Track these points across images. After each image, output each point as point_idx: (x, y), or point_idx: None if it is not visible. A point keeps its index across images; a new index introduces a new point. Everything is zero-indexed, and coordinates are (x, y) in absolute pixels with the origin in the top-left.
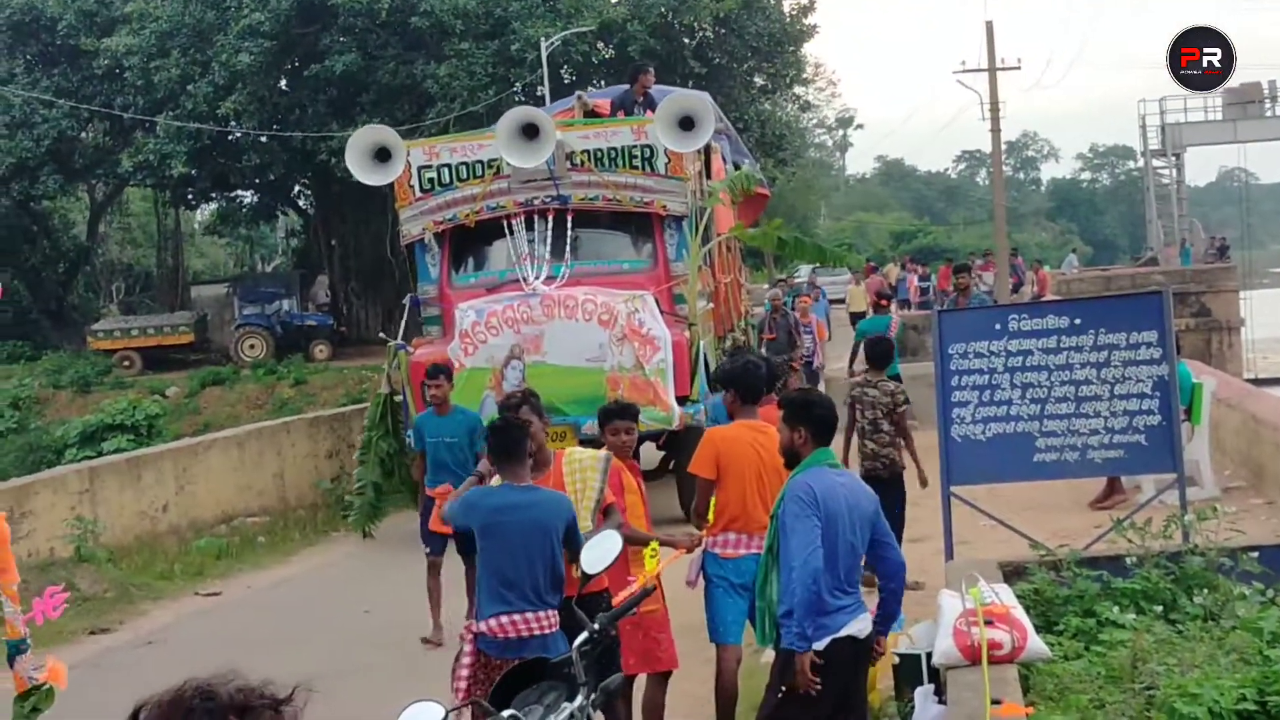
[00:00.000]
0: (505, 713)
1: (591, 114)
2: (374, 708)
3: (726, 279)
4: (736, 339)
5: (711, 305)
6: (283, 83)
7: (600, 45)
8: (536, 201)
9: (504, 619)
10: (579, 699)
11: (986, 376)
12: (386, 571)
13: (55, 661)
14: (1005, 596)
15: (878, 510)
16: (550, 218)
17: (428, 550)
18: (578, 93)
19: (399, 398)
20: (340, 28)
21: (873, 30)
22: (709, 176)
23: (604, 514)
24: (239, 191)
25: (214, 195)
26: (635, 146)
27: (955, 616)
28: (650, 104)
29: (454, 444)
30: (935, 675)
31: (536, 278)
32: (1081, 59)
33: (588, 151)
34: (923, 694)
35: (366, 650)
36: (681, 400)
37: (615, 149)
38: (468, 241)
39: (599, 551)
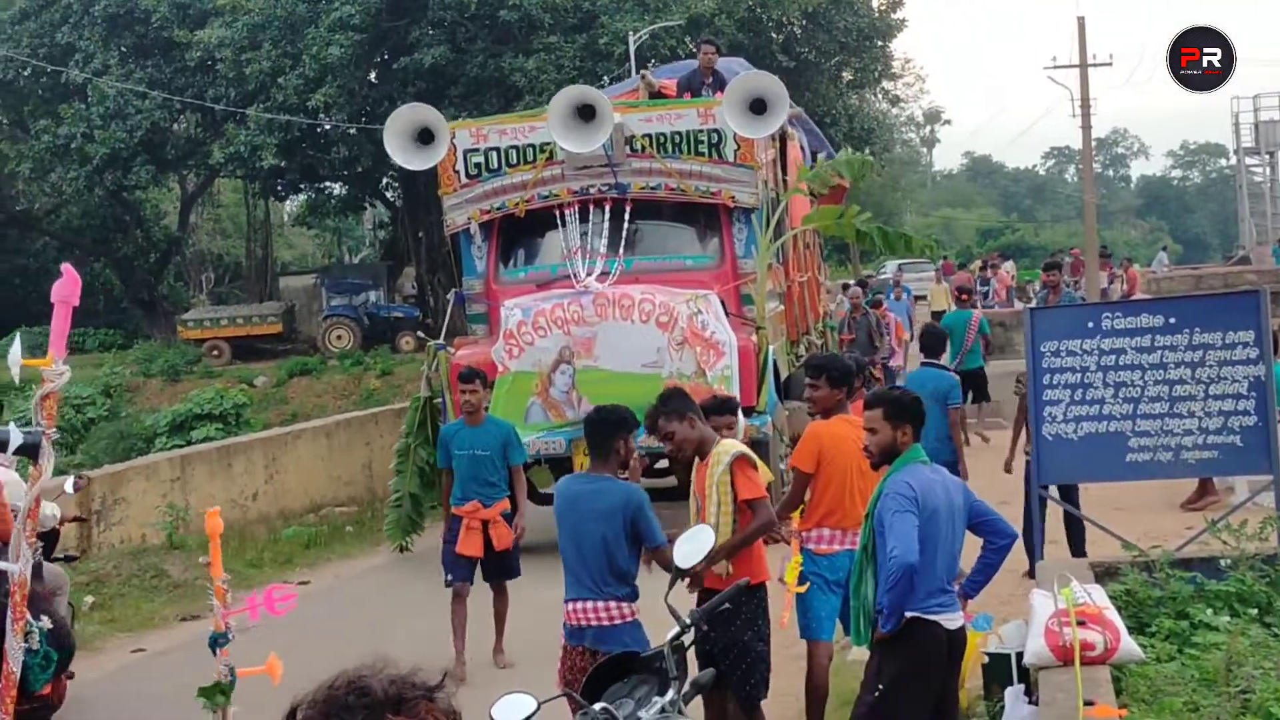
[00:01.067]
0: (596, 705)
1: (657, 95)
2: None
3: (802, 277)
4: (812, 342)
5: (783, 306)
6: (372, 75)
7: (688, 40)
8: (592, 190)
9: (575, 605)
10: (670, 693)
11: (1079, 375)
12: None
13: (275, 658)
14: (1098, 597)
15: (968, 496)
16: (607, 208)
17: (449, 578)
18: (641, 72)
19: (439, 402)
20: (430, 20)
21: (962, 25)
22: (784, 167)
23: (749, 508)
24: (328, 183)
25: (303, 187)
26: (702, 131)
27: (1047, 616)
28: (720, 84)
29: (485, 458)
30: (1025, 675)
31: (589, 274)
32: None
33: (649, 136)
34: (1013, 694)
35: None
36: (747, 411)
37: (680, 133)
38: (517, 233)
39: (691, 546)
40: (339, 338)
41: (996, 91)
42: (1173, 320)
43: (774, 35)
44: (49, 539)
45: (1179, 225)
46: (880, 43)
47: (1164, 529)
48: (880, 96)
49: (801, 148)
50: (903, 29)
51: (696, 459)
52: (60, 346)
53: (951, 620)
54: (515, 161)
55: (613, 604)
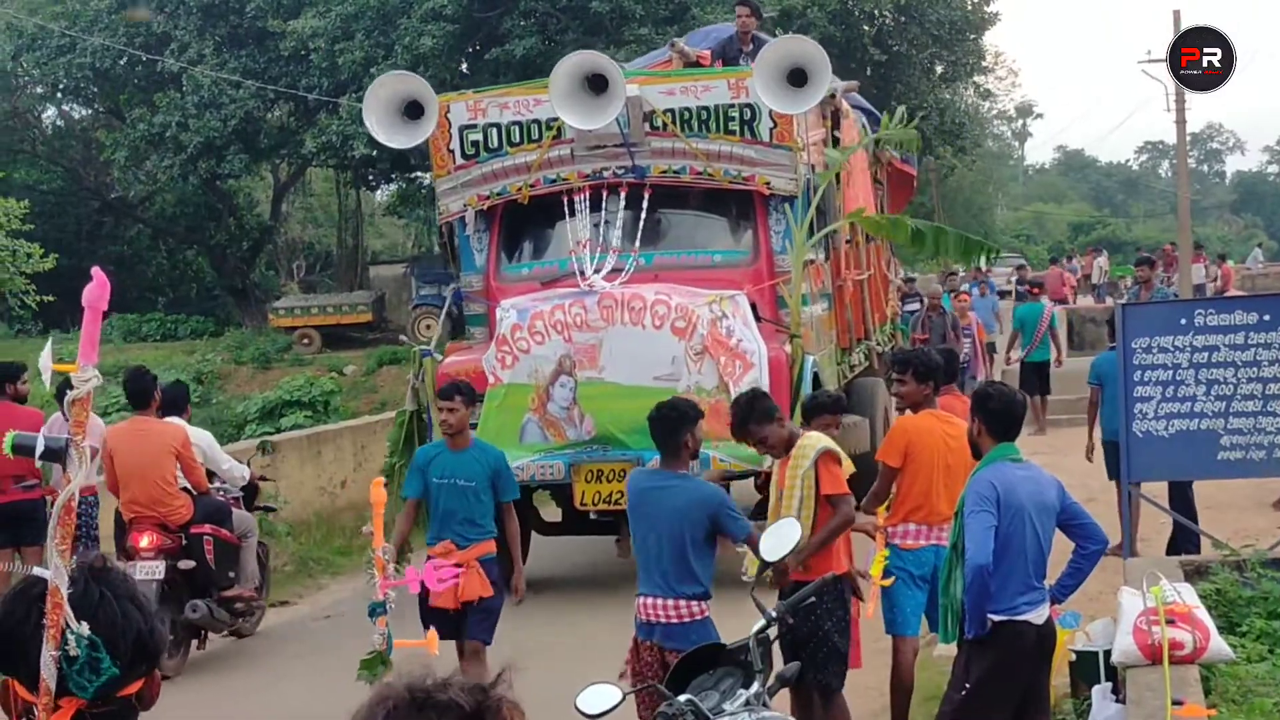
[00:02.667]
0: (681, 697)
1: (694, 66)
2: (554, 688)
3: (860, 274)
4: (872, 348)
5: (832, 309)
6: (464, 66)
7: (779, 32)
8: (606, 173)
9: (646, 600)
10: (755, 685)
11: (1170, 372)
12: (545, 547)
13: (433, 632)
14: (1187, 596)
15: (1063, 496)
16: (622, 194)
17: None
18: (671, 39)
19: (427, 416)
20: (521, 11)
21: (1055, 18)
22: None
23: (830, 504)
24: (418, 173)
25: (394, 176)
26: (733, 106)
27: (1136, 615)
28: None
29: (468, 489)
30: (1113, 674)
31: (596, 270)
32: (1271, 50)
33: (672, 111)
34: (1100, 692)
35: (543, 630)
36: None
37: (706, 109)
38: (521, 222)
39: (776, 539)
40: (428, 327)
41: (1090, 85)
42: (1267, 317)
43: (865, 28)
44: (250, 491)
45: (1274, 222)
46: (973, 36)
47: (1255, 528)
48: (972, 90)
49: (863, 129)
50: (995, 22)
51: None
52: (89, 352)
53: (1039, 615)
54: (518, 140)
55: (682, 602)
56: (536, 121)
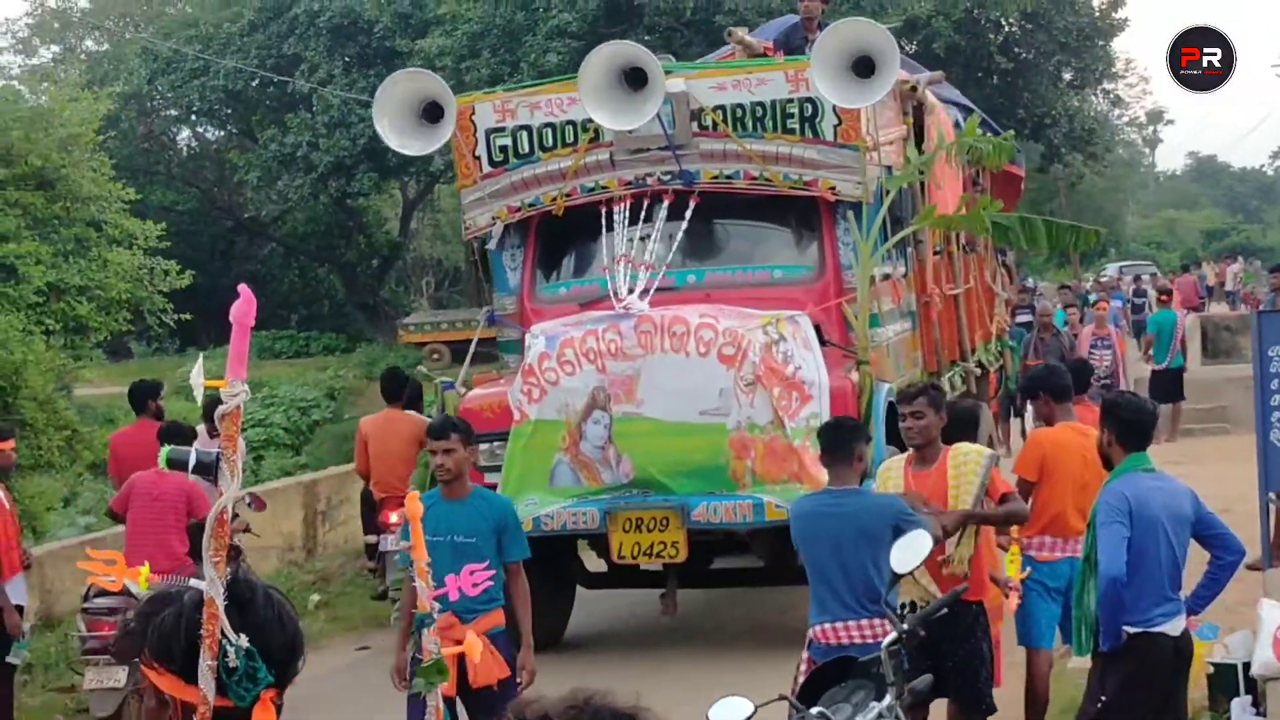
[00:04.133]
0: (813, 710)
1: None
2: (684, 702)
3: (955, 288)
4: (970, 370)
5: (915, 328)
6: None
7: (904, 42)
8: (650, 180)
9: (832, 626)
10: (887, 698)
11: None
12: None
13: (473, 638)
14: None
15: (1197, 507)
16: (668, 203)
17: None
18: (729, 29)
19: None
20: (645, 26)
21: (1186, 22)
22: (922, 150)
23: (1000, 500)
24: None
25: None
26: (791, 101)
27: (1276, 627)
28: None
29: (467, 546)
30: (1252, 686)
31: (632, 290)
32: None
33: (722, 108)
34: (1240, 705)
35: (673, 646)
36: None
37: (762, 105)
38: (558, 236)
39: (908, 552)
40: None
41: (1224, 90)
42: None
43: (992, 36)
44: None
45: None
46: (1101, 42)
47: None
48: (1101, 97)
49: (957, 125)
50: (1124, 28)
51: (913, 460)
52: (238, 368)
53: (1176, 627)
54: (552, 144)
55: (876, 621)
56: (571, 123)
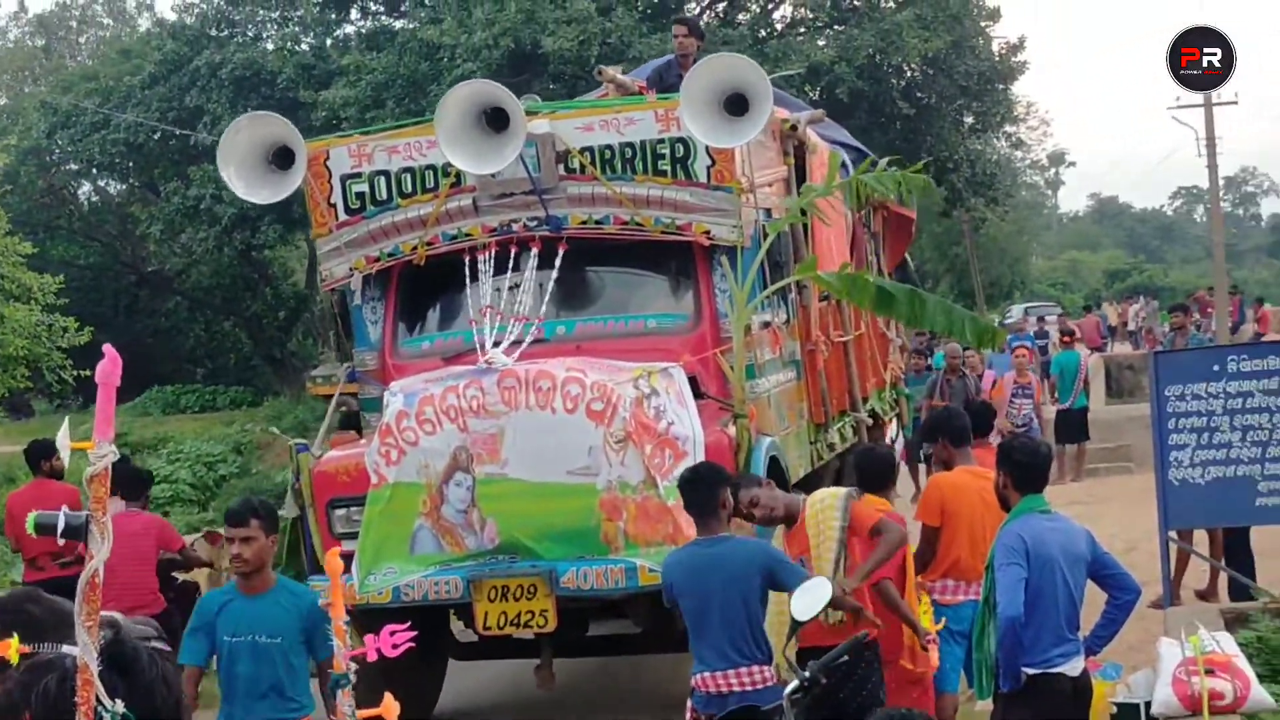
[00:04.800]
0: None
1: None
2: None
3: (844, 335)
4: (863, 420)
5: (801, 378)
6: None
7: (808, 88)
8: (516, 226)
9: (714, 675)
10: None
11: (1205, 419)
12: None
13: (391, 699)
14: (1227, 645)
15: (1093, 547)
16: (535, 250)
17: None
18: (599, 68)
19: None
20: (550, 75)
21: (1084, 66)
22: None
23: (875, 534)
24: None
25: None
26: (662, 141)
27: (1175, 665)
28: None
29: (270, 647)
30: None
31: (498, 344)
32: None
33: (590, 150)
34: None
35: (551, 717)
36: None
37: (631, 146)
38: (421, 287)
39: (809, 597)
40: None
41: (1122, 132)
42: None
43: (894, 81)
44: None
45: None
46: (1001, 86)
47: None
48: (1003, 140)
49: (845, 166)
50: (1024, 72)
51: (783, 527)
52: (105, 429)
53: (1075, 667)
54: (411, 190)
55: (756, 668)
56: (431, 167)
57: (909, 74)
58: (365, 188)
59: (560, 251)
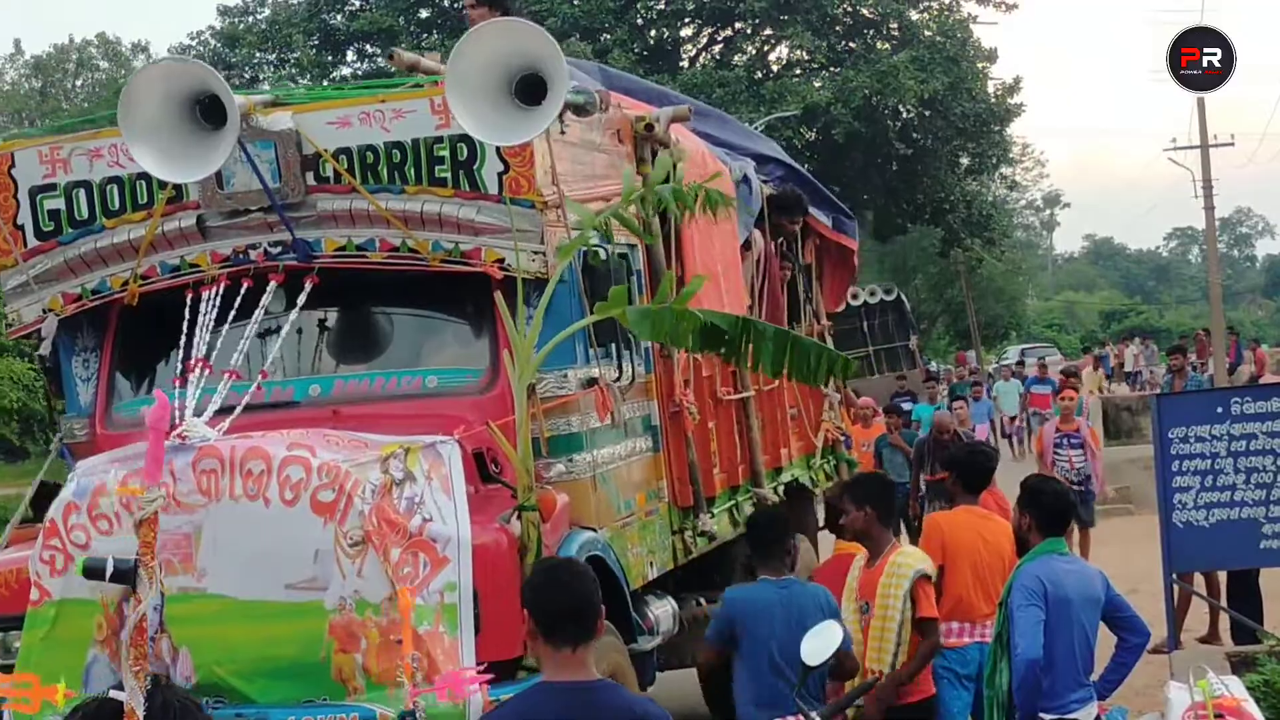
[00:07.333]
0: None
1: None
2: None
3: (741, 391)
4: (767, 496)
5: (658, 449)
6: None
7: (804, 129)
8: (255, 254)
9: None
10: None
11: (1209, 461)
12: None
13: None
14: (1235, 689)
15: (1108, 589)
16: (276, 284)
17: None
18: (391, 50)
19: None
20: None
21: (1081, 107)
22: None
23: (920, 630)
24: None
25: None
26: (440, 141)
27: (1183, 710)
28: None
29: None
30: None
31: (203, 412)
32: None
33: (347, 153)
34: None
35: None
36: (508, 667)
37: (400, 147)
38: (144, 334)
39: (819, 641)
40: None
41: (1118, 173)
42: None
43: (891, 123)
44: None
45: None
46: (997, 127)
47: None
48: (999, 182)
49: (747, 180)
50: (1020, 113)
51: (863, 563)
52: (154, 473)
53: (1089, 714)
54: (119, 206)
55: (815, 715)
56: (145, 177)
57: (905, 115)
58: (61, 204)
59: (308, 286)
